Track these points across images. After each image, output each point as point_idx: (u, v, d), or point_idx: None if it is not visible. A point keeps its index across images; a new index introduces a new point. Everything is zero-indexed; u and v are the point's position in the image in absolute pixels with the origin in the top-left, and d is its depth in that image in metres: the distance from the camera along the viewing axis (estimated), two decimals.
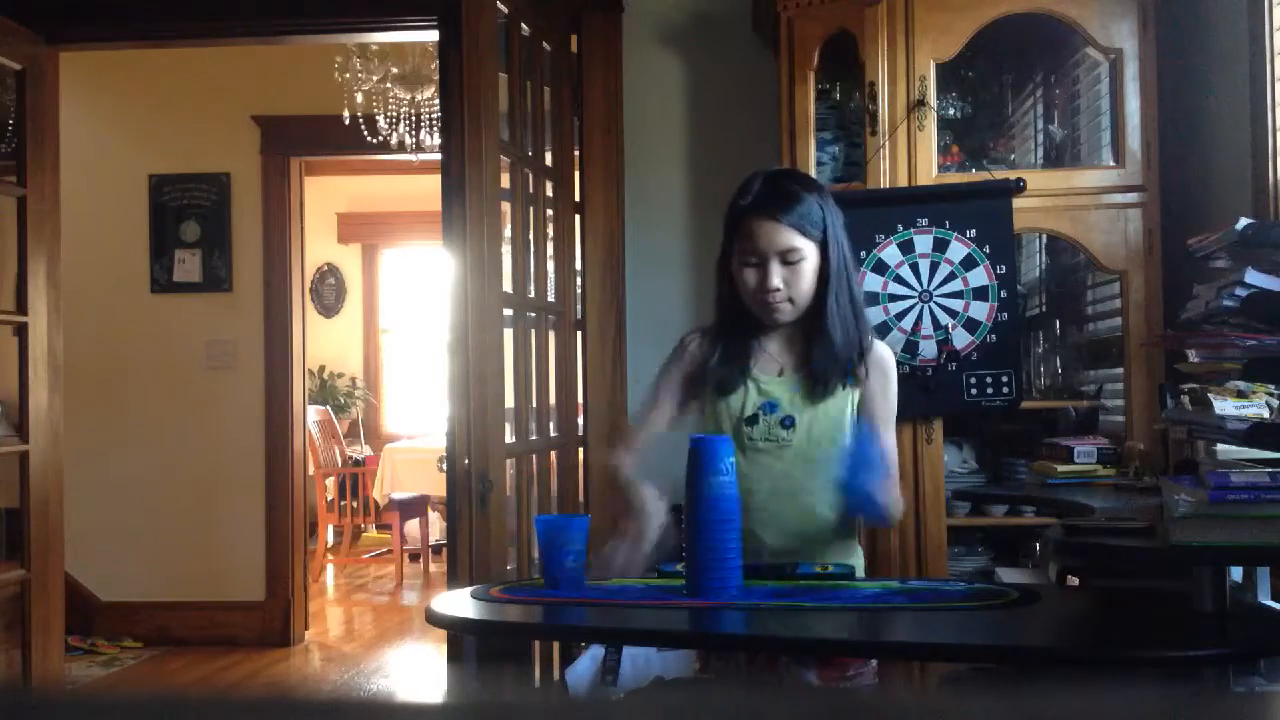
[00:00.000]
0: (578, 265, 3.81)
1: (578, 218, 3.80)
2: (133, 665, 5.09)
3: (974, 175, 3.15)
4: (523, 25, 3.35)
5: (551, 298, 3.66)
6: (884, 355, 2.19)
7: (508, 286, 3.21)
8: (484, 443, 2.93)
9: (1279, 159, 2.62)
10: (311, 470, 6.68)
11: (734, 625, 1.89)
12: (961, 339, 2.99)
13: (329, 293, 8.87)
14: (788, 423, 2.12)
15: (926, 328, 3.01)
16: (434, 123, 5.28)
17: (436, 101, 4.90)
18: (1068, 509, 2.48)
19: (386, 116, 5.39)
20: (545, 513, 3.50)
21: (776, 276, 2.06)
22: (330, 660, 5.34)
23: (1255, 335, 2.21)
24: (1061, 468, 2.86)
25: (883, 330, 3.00)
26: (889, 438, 2.18)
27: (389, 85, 5.30)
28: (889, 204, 3.05)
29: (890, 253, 3.02)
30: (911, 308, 3.02)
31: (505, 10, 3.20)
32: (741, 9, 3.71)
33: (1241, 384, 2.15)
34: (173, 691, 0.42)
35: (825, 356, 2.10)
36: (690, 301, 3.80)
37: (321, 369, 8.36)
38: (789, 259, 2.06)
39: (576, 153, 3.81)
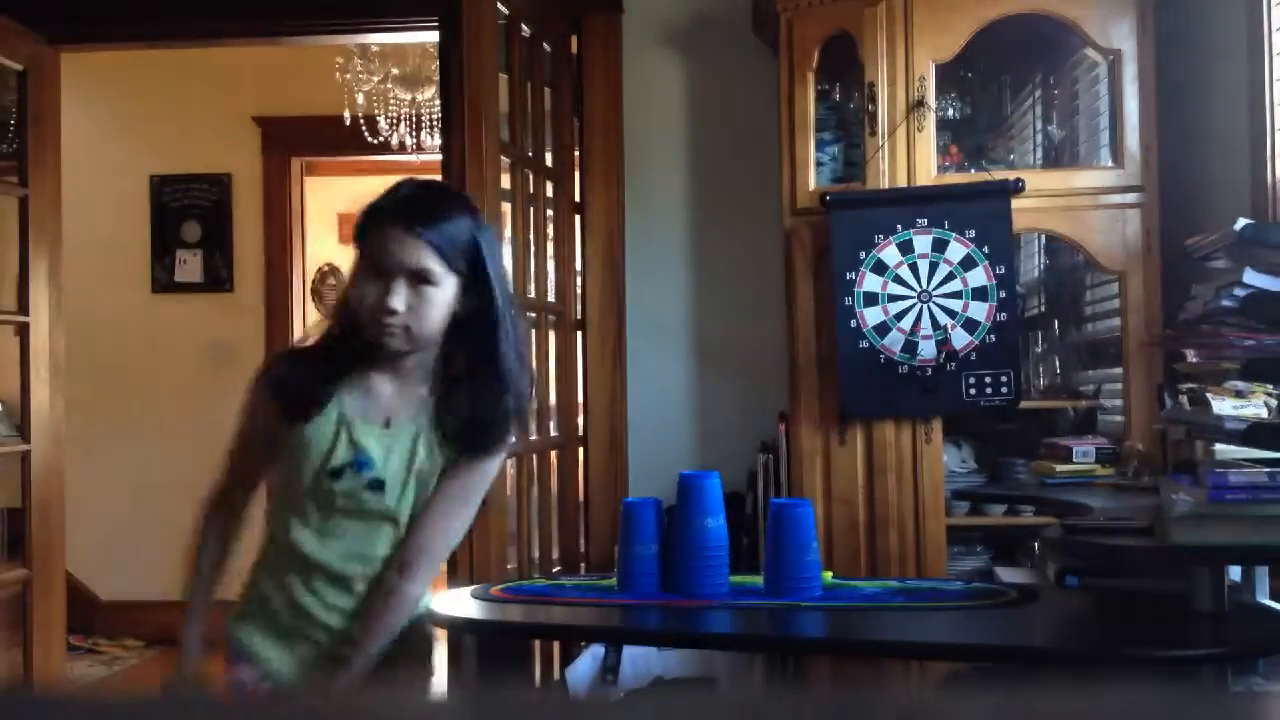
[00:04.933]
0: (578, 265, 3.81)
1: (578, 218, 3.80)
2: (134, 665, 5.09)
3: (973, 176, 3.15)
4: (523, 25, 3.36)
5: (551, 298, 3.66)
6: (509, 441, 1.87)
7: None
8: None
9: (1278, 159, 2.62)
10: None
11: (733, 625, 1.90)
12: (960, 339, 3.00)
13: (330, 293, 8.85)
14: (376, 485, 1.79)
15: (926, 328, 3.02)
16: (434, 123, 5.27)
17: (436, 101, 4.90)
18: (1067, 509, 2.48)
19: (387, 117, 5.38)
20: (545, 512, 3.50)
21: (399, 297, 1.75)
22: None
23: (1253, 335, 2.21)
24: (1060, 467, 2.86)
25: (882, 330, 3.00)
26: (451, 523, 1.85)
27: (389, 86, 5.30)
28: (888, 204, 3.05)
29: (889, 253, 3.03)
30: (911, 308, 3.03)
31: (505, 10, 3.20)
32: (741, 9, 3.71)
33: (1240, 384, 2.16)
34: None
35: (459, 414, 1.80)
36: (690, 301, 3.80)
37: None
38: (418, 280, 1.76)
39: (576, 153, 3.81)
